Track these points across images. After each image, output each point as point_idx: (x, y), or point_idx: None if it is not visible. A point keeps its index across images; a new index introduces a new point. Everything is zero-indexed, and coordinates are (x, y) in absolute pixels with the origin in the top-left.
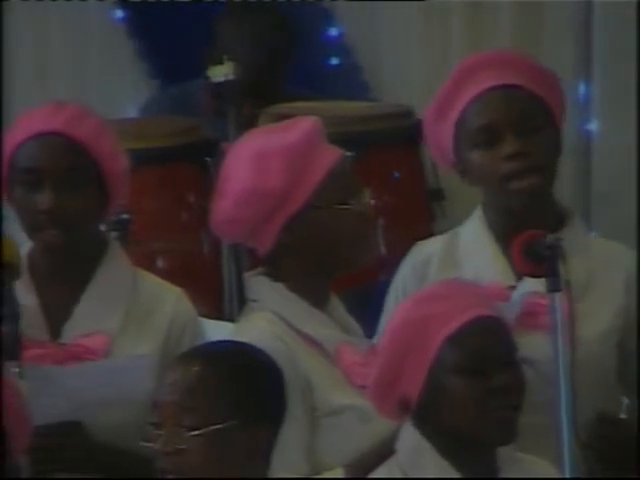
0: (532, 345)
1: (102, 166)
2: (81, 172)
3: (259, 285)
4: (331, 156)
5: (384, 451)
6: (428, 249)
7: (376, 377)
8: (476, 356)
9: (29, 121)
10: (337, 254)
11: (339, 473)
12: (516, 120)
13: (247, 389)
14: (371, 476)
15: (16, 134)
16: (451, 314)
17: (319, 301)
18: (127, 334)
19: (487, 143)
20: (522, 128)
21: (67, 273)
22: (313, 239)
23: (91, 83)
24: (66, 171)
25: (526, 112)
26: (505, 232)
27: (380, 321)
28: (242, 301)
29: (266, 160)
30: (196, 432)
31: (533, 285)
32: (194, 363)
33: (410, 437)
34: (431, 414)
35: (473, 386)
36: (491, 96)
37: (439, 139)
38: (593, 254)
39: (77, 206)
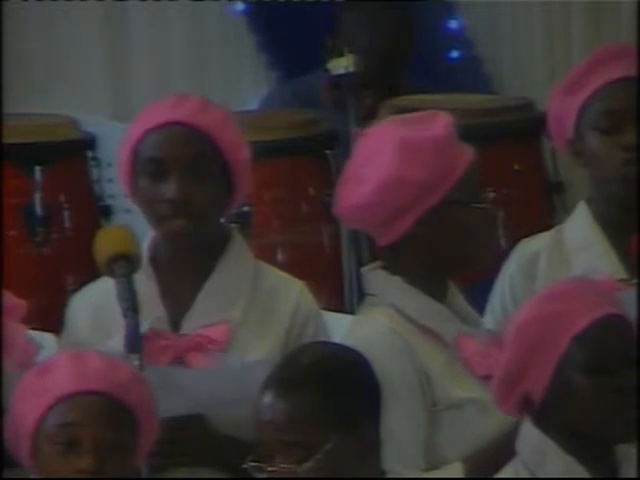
0: None
1: (227, 156)
2: (206, 161)
3: (377, 279)
4: (469, 152)
5: (502, 445)
6: (534, 247)
7: (500, 373)
8: (603, 355)
9: (153, 112)
10: (463, 251)
11: (458, 468)
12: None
13: (344, 400)
14: (497, 476)
15: (140, 125)
16: (579, 312)
17: (438, 293)
18: (249, 325)
19: (609, 129)
20: None
21: (189, 265)
22: (443, 234)
23: (211, 76)
24: (191, 160)
25: None
26: (615, 224)
27: (485, 316)
28: (362, 294)
29: (413, 150)
30: (309, 464)
31: None
32: (286, 395)
33: (531, 436)
34: (554, 412)
35: (599, 385)
36: (620, 86)
37: (562, 114)
38: None
39: (203, 196)
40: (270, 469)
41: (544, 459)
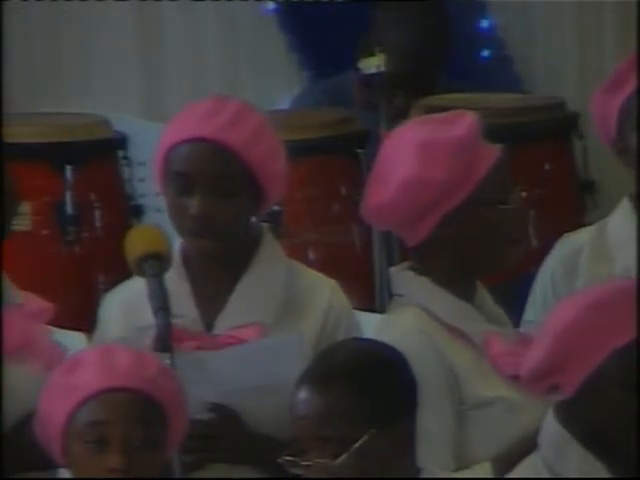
0: None
1: (256, 170)
2: (231, 179)
3: (405, 279)
4: (493, 152)
5: (532, 444)
6: (577, 241)
7: (532, 367)
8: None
9: (186, 120)
10: (488, 251)
11: (488, 468)
12: None
13: (379, 396)
14: (516, 469)
15: (172, 132)
16: (621, 326)
17: (465, 293)
18: (281, 325)
19: None
20: None
21: (221, 266)
22: (468, 235)
23: (243, 76)
24: (216, 178)
25: None
26: None
27: (525, 311)
28: (393, 293)
29: (433, 151)
30: (342, 458)
31: None
32: (321, 391)
33: (553, 431)
34: (581, 413)
35: (633, 401)
36: None
37: (605, 114)
38: None
39: (226, 213)
40: (304, 464)
41: (563, 454)
